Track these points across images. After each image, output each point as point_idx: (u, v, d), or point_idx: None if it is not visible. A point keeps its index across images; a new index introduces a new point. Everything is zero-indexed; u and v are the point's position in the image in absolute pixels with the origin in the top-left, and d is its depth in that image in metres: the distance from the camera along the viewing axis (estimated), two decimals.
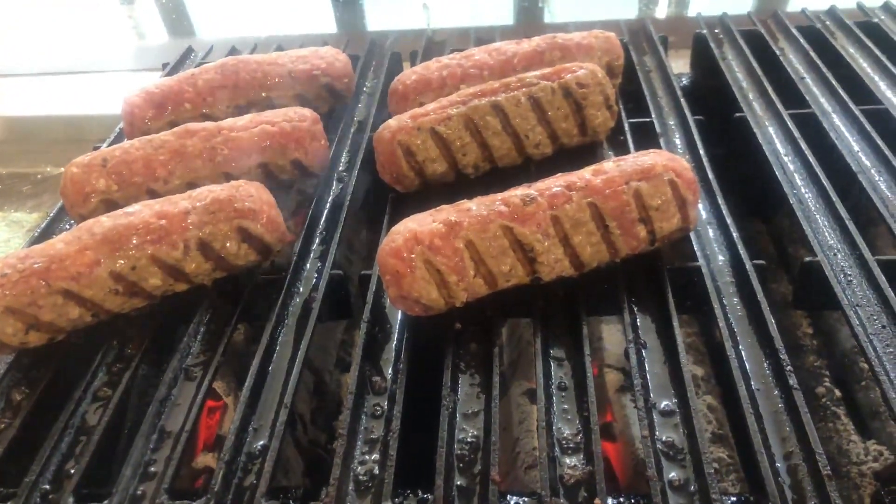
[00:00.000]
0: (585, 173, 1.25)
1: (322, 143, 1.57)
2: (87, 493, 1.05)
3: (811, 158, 1.45)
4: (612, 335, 1.58)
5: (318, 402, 1.62)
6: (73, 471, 1.07)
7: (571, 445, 1.03)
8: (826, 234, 1.29)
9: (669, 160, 1.25)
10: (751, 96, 1.70)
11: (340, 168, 1.65)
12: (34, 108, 3.08)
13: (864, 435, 1.34)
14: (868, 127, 1.50)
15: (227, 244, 1.30)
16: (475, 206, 1.22)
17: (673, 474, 0.97)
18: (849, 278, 1.20)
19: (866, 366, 1.15)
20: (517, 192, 1.23)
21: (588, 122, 1.51)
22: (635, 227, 1.23)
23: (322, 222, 1.49)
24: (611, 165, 1.25)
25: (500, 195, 1.23)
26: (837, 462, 1.29)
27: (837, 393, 1.43)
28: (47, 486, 1.06)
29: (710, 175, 1.44)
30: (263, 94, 1.77)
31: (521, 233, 1.19)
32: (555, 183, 1.23)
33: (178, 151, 1.49)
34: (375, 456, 1.04)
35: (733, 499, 0.94)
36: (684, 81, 2.02)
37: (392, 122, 1.47)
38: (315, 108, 1.76)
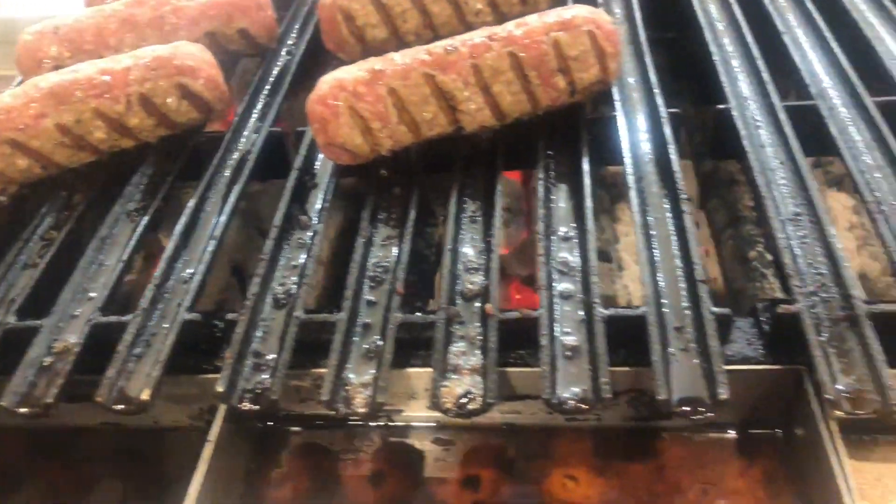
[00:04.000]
0: (510, 25, 1.29)
1: (268, 13, 1.61)
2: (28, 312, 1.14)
3: (742, 22, 1.48)
4: None
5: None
6: (15, 298, 1.16)
7: (474, 265, 1.09)
8: (744, 87, 1.33)
9: (590, 13, 1.29)
10: None
11: (290, 42, 1.69)
12: None
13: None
14: None
15: (168, 100, 1.36)
16: (399, 57, 1.26)
17: (564, 286, 1.04)
18: (757, 123, 1.25)
19: None
20: (441, 43, 1.27)
21: None
22: (554, 77, 1.27)
23: (267, 87, 1.54)
24: (534, 18, 1.29)
25: (425, 46, 1.28)
26: None
27: (768, 257, 1.49)
28: None
29: (642, 37, 1.47)
30: None
31: (442, 80, 1.23)
32: (479, 34, 1.27)
33: (127, 20, 1.53)
34: (294, 279, 1.12)
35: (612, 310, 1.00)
36: None
37: None
38: None
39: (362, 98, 1.22)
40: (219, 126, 1.51)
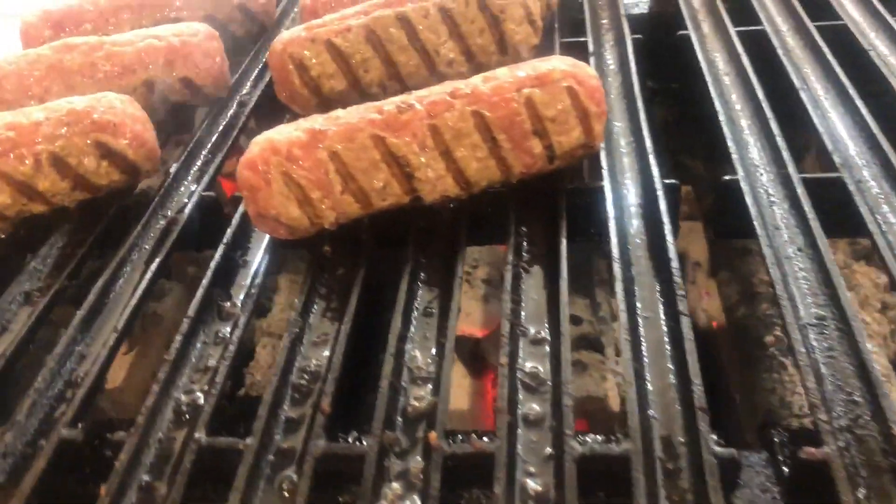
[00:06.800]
0: (476, 79, 1.10)
1: (216, 60, 1.44)
2: None
3: (752, 75, 1.29)
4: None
5: None
6: None
7: (423, 374, 0.89)
8: (754, 153, 1.13)
9: (571, 66, 1.10)
10: (700, 17, 1.54)
11: (244, 91, 1.51)
12: None
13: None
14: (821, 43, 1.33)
15: (84, 160, 1.17)
16: (346, 114, 1.08)
17: (530, 407, 0.83)
18: (771, 198, 1.05)
19: None
20: (395, 99, 1.08)
21: (507, 37, 1.36)
22: (529, 141, 1.08)
23: (209, 145, 1.36)
24: (505, 71, 1.10)
25: (376, 103, 1.09)
26: (778, 414, 1.14)
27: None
28: None
29: (637, 91, 1.28)
30: (172, 15, 1.64)
31: (394, 143, 1.04)
32: (439, 89, 1.09)
33: (54, 67, 1.36)
34: (202, 385, 0.91)
35: (590, 437, 0.80)
36: (636, 10, 1.83)
37: (285, 34, 1.34)
38: (230, 32, 1.64)
39: (299, 163, 1.03)
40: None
